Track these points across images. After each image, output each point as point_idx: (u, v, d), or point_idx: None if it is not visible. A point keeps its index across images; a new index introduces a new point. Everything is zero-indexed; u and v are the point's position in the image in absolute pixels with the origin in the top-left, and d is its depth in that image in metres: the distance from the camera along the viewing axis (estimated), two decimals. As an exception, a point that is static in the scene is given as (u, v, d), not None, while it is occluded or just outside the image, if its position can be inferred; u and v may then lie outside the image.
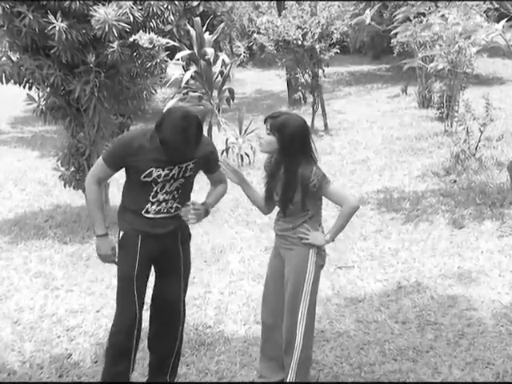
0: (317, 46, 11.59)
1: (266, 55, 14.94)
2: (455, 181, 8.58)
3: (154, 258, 4.13)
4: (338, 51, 12.23)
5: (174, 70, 12.43)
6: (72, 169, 7.70)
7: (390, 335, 5.05)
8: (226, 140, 10.39)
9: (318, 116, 12.79)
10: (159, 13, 7.20)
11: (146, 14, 7.10)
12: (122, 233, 4.11)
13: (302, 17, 11.66)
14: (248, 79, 22.62)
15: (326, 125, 12.60)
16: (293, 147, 3.98)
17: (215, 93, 10.68)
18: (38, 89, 7.42)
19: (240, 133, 10.44)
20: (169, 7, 7.24)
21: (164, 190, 3.97)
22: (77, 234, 7.62)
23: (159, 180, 3.92)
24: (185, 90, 10.44)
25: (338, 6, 11.88)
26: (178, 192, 4.03)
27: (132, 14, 6.82)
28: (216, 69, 10.36)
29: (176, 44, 10.31)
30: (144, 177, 3.89)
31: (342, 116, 14.13)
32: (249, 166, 10.12)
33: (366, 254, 6.62)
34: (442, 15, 7.67)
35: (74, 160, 7.61)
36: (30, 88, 7.46)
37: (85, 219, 7.96)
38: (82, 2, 6.65)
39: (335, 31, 11.77)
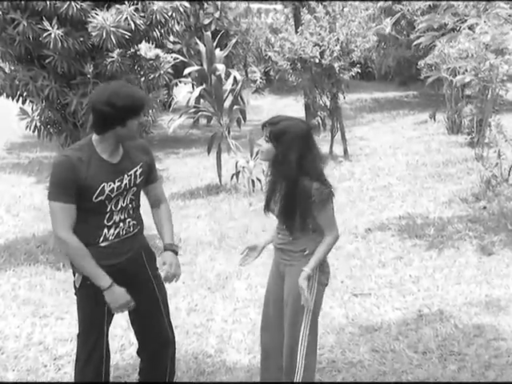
0: (335, 65, 11.60)
1: (281, 76, 14.96)
2: (485, 207, 8.51)
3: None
4: (359, 71, 12.23)
5: (183, 89, 12.53)
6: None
7: (409, 366, 4.96)
8: (236, 163, 10.39)
9: (337, 142, 12.78)
10: (163, 21, 7.24)
11: (148, 21, 7.14)
12: (80, 277, 3.89)
13: (320, 34, 11.69)
14: (264, 106, 22.72)
15: (345, 150, 12.59)
16: (289, 157, 3.87)
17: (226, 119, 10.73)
18: (32, 102, 7.48)
19: (251, 156, 10.44)
20: (173, 15, 7.27)
21: (119, 207, 3.84)
22: (71, 259, 7.59)
23: (113, 195, 3.78)
24: (193, 110, 10.47)
25: (359, 22, 11.91)
26: (133, 206, 3.95)
27: (133, 22, 6.85)
28: (227, 86, 10.39)
29: (185, 60, 10.42)
30: (96, 196, 3.71)
31: (364, 142, 14.14)
32: (261, 192, 10.10)
33: (384, 282, 6.55)
34: (470, 27, 7.65)
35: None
36: (23, 102, 7.52)
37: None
38: (79, 7, 6.69)
39: (356, 49, 11.79)
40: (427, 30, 7.60)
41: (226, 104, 10.80)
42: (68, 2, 6.71)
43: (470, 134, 12.46)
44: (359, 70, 12.21)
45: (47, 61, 7.02)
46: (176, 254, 4.13)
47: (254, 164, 10.31)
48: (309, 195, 3.86)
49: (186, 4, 7.39)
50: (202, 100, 10.80)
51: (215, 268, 7.21)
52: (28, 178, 12.66)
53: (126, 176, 3.83)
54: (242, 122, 10.90)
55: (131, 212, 3.94)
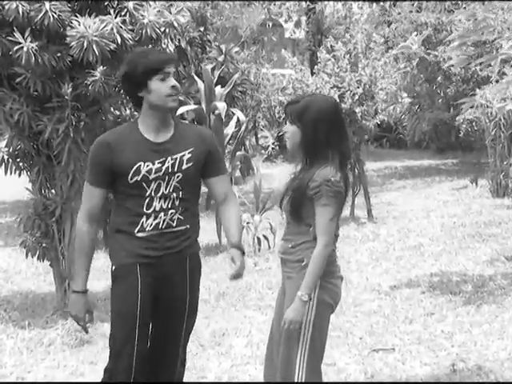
0: (357, 110, 11.70)
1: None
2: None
3: (156, 290, 4.06)
4: (385, 118, 12.35)
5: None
6: (37, 233, 7.61)
7: (439, 422, 4.87)
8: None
9: (360, 206, 12.78)
10: (155, 37, 7.30)
11: (137, 37, 7.18)
12: (113, 267, 4.10)
13: (340, 75, 11.83)
14: (276, 174, 22.84)
15: (369, 211, 12.59)
16: (317, 135, 3.90)
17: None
18: (-1, 130, 7.50)
19: (257, 209, 10.46)
20: (167, 31, 7.34)
21: (160, 193, 3.98)
22: (39, 317, 7.55)
23: (150, 177, 3.94)
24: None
25: (385, 62, 12.06)
26: (179, 197, 4.03)
27: (119, 35, 6.89)
28: (229, 130, 10.49)
29: (181, 99, 10.55)
30: (132, 176, 3.93)
31: (392, 207, 14.15)
32: (268, 251, 10.08)
33: (411, 338, 6.47)
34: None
35: (41, 222, 7.54)
36: (-12, 131, 7.55)
37: (51, 302, 7.93)
38: (56, 16, 6.70)
39: (381, 92, 11.91)
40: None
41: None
42: (44, 11, 6.76)
43: (519, 195, 12.49)
44: (385, 118, 12.31)
45: (18, 80, 6.99)
46: (243, 253, 4.16)
47: (260, 219, 10.31)
48: (317, 184, 3.86)
49: (182, 19, 7.48)
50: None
51: (210, 326, 7.15)
52: (-6, 242, 12.74)
53: (169, 158, 3.98)
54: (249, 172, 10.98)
55: (176, 203, 4.05)
